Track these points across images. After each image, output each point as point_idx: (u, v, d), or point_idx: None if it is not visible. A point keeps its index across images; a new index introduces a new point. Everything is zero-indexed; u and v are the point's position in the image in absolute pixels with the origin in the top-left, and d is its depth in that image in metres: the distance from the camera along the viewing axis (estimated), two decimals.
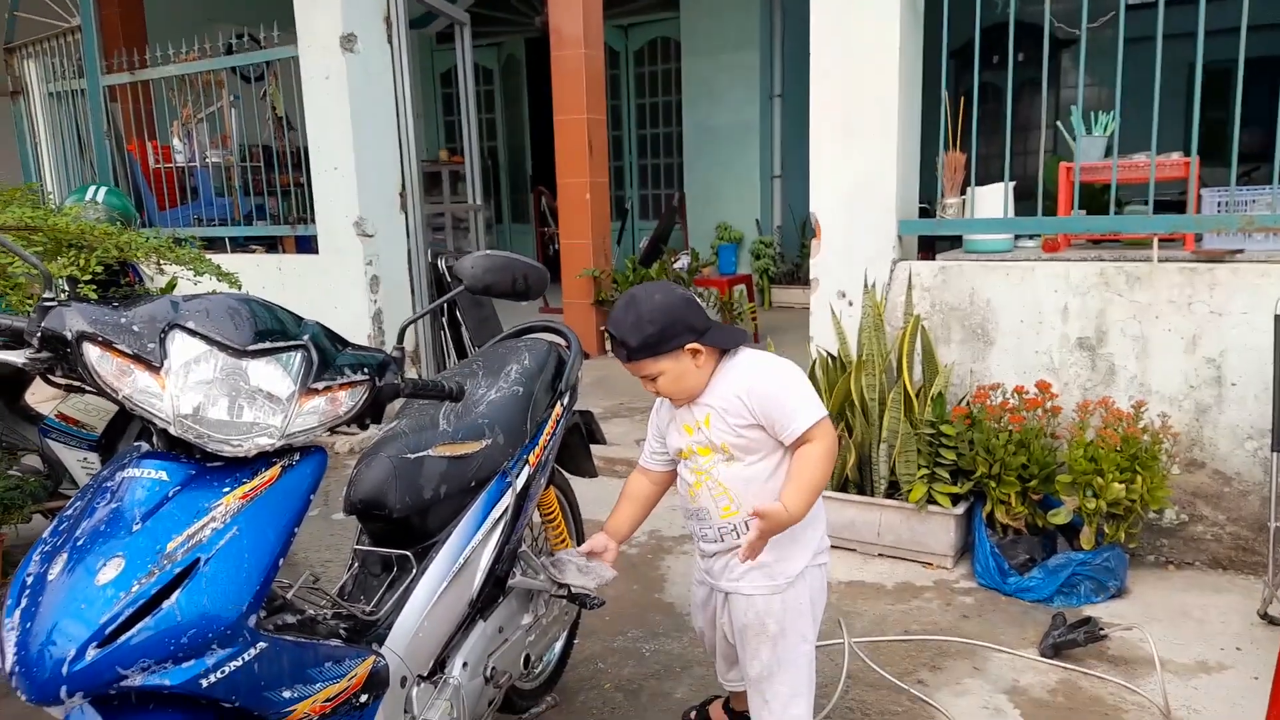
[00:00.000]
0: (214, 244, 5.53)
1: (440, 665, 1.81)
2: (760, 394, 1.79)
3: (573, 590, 2.00)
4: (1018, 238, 3.78)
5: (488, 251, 1.76)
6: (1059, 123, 3.81)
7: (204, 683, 1.21)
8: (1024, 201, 3.69)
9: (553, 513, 2.42)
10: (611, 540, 2.00)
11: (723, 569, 1.93)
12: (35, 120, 6.28)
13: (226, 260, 3.37)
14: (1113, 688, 2.43)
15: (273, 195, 5.80)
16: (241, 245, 5.82)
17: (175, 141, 6.03)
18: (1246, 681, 2.42)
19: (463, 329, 4.96)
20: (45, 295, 1.36)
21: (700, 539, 1.97)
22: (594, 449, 2.58)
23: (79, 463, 3.26)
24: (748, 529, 1.82)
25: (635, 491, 2.07)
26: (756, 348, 1.92)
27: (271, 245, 6.07)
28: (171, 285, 3.42)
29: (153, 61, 5.63)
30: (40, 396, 3.63)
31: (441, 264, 5.24)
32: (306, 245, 5.48)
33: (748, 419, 1.81)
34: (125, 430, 3.29)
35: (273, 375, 1.35)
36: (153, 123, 5.94)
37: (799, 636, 1.91)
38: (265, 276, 5.20)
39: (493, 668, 1.95)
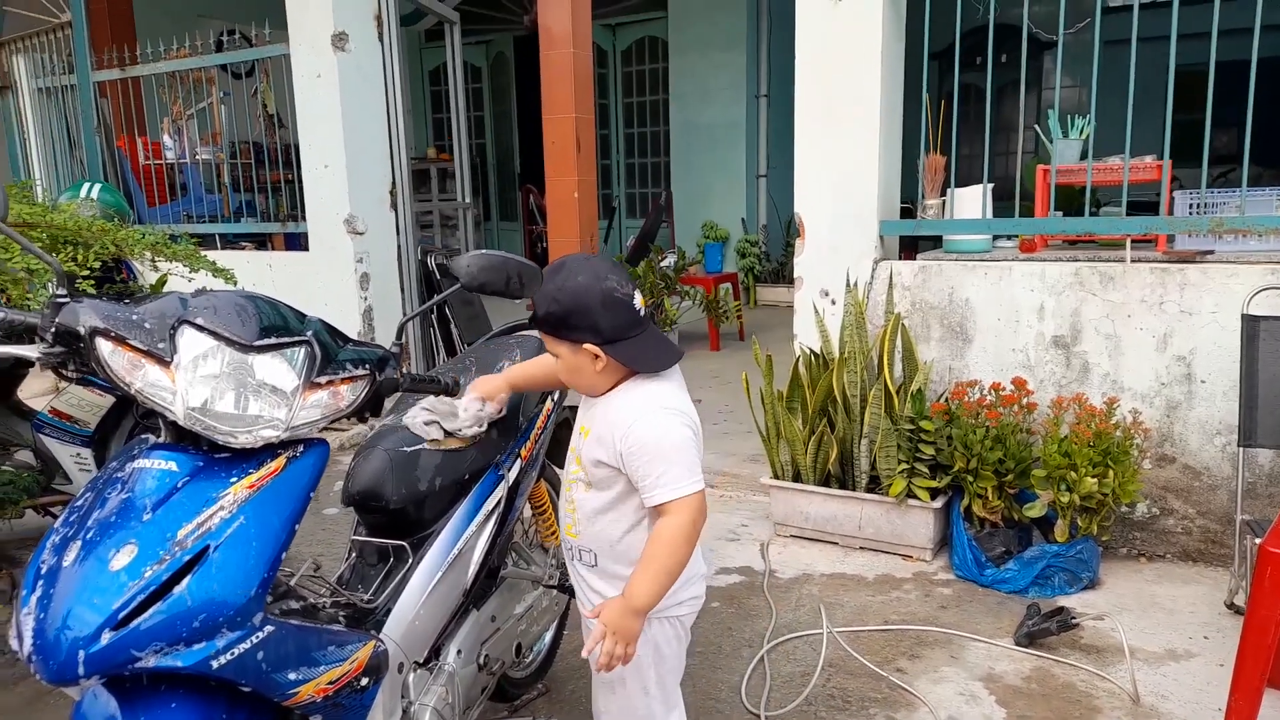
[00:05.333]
0: (204, 241, 5.49)
1: (435, 652, 1.86)
2: (633, 444, 1.56)
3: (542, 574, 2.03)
4: (996, 238, 3.86)
5: (484, 251, 1.81)
6: (1036, 126, 3.90)
7: (214, 664, 1.26)
8: (1004, 202, 3.78)
9: (543, 505, 2.47)
10: (499, 385, 1.94)
11: (582, 593, 1.78)
12: (24, 116, 6.27)
13: (216, 257, 3.40)
14: (1084, 675, 2.51)
15: (262, 192, 5.82)
16: (231, 242, 5.84)
17: (165, 138, 6.05)
18: (1213, 669, 2.51)
19: (452, 326, 5.01)
20: (58, 292, 1.41)
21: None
22: None
23: (72, 458, 3.29)
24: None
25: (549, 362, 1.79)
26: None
27: (261, 242, 6.09)
28: (162, 282, 3.44)
29: (143, 58, 5.64)
30: (29, 393, 3.65)
31: (431, 261, 5.28)
32: (295, 243, 5.51)
33: (609, 458, 1.61)
34: (118, 426, 3.32)
35: (278, 369, 1.40)
36: (143, 119, 5.96)
37: (640, 688, 1.72)
38: (256, 274, 5.22)
39: (486, 655, 2.01)
